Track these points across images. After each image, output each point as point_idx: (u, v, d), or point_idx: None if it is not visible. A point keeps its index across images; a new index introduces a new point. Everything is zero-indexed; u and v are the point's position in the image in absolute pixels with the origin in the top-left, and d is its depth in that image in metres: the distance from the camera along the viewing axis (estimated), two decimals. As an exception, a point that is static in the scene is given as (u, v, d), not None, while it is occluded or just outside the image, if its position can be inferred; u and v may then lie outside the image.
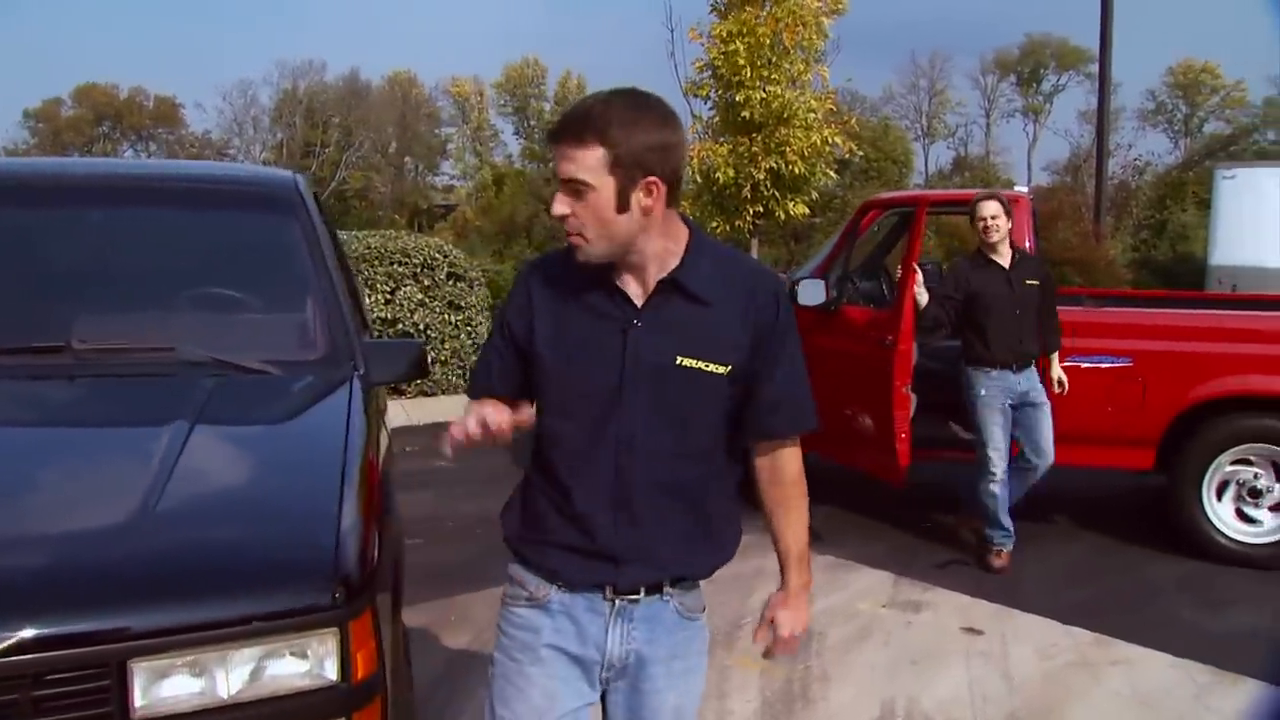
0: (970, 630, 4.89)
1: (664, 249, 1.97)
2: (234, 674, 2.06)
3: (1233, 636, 4.84)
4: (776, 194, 11.83)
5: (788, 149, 11.45)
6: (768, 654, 2.22)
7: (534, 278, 2.07)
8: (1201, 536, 5.80)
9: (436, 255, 9.74)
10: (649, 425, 1.97)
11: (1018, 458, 5.68)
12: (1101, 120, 14.17)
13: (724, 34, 11.39)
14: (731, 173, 11.63)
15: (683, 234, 2.00)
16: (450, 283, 9.79)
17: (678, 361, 1.96)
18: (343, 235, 10.00)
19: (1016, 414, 5.62)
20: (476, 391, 2.08)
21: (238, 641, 2.05)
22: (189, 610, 2.04)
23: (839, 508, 6.79)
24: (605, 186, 1.88)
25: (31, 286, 3.39)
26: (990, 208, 5.58)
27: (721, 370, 1.98)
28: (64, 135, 55.65)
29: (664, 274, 1.97)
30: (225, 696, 2.05)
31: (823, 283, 6.19)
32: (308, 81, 56.12)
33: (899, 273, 7.79)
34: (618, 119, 1.87)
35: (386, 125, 55.60)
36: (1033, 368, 5.62)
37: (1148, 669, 4.51)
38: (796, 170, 11.56)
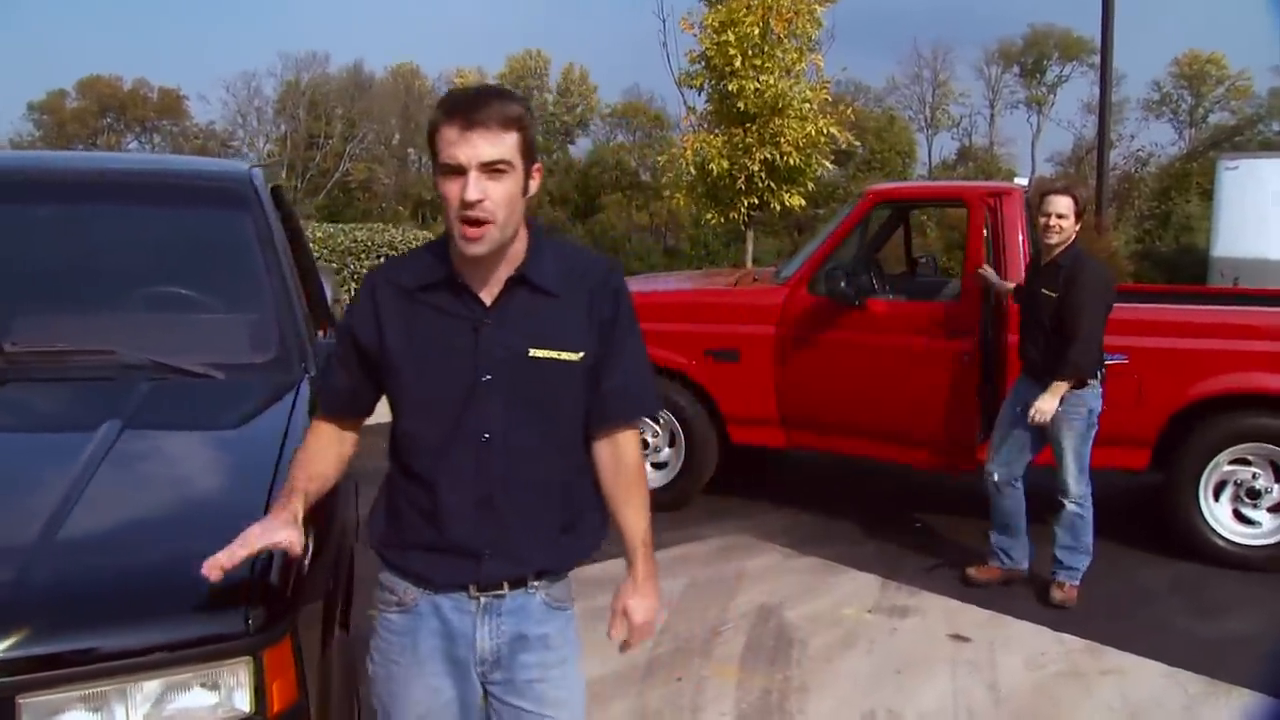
0: (958, 637, 4.74)
1: (517, 247, 2.01)
2: (136, 708, 1.92)
3: (1226, 643, 4.69)
4: (771, 185, 11.66)
5: (782, 140, 11.25)
6: (625, 647, 2.22)
7: (378, 286, 2.06)
8: (1198, 538, 5.65)
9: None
10: (509, 420, 2.01)
11: None
12: (1103, 111, 13.95)
13: (715, 24, 11.20)
14: (726, 164, 11.46)
15: (524, 232, 2.03)
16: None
17: (530, 353, 1.99)
18: (330, 229, 9.88)
19: (1046, 433, 5.06)
20: (328, 409, 2.13)
21: (140, 673, 1.91)
22: (84, 639, 1.90)
23: (827, 507, 6.64)
24: (519, 169, 1.93)
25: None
26: (1057, 204, 4.90)
27: (574, 358, 2.02)
28: (68, 127, 55.56)
29: (512, 271, 2.00)
30: (126, 731, 1.91)
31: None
32: (311, 73, 55.96)
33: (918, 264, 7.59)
34: (524, 106, 1.95)
35: (390, 117, 55.45)
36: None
37: (1139, 678, 4.36)
38: (791, 161, 11.37)
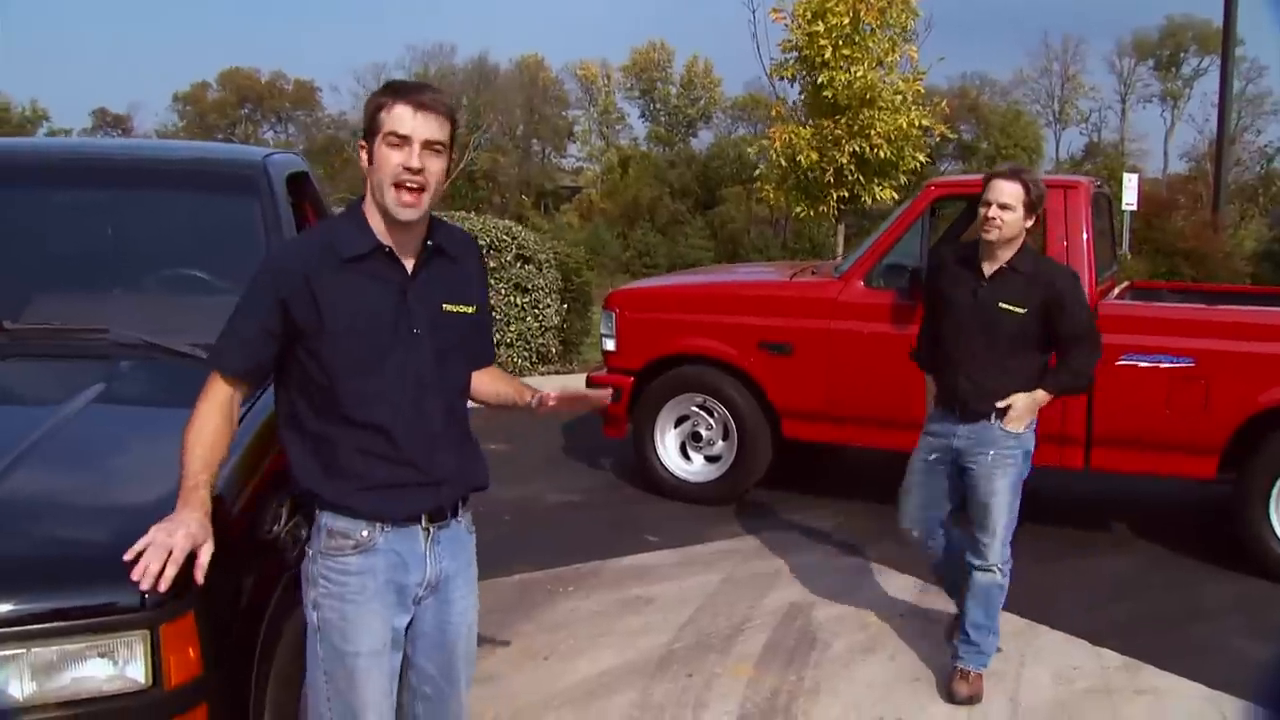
0: (988, 646, 4.57)
1: (425, 221, 2.34)
2: (31, 674, 1.97)
3: (1281, 667, 4.42)
4: (861, 178, 11.42)
5: (872, 132, 11.02)
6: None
7: (306, 263, 2.26)
8: (1266, 553, 5.32)
9: (504, 237, 9.66)
10: (436, 366, 2.33)
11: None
12: (1222, 105, 13.27)
13: (806, 14, 11.02)
14: (815, 156, 11.28)
15: None
16: (518, 265, 9.71)
17: (443, 308, 2.35)
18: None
19: (963, 481, 4.06)
20: (236, 369, 2.29)
21: (34, 639, 1.96)
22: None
23: (880, 506, 6.41)
24: (446, 154, 2.28)
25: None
26: (1001, 191, 3.83)
27: (470, 310, 2.41)
28: (209, 118, 57.81)
29: (423, 242, 2.33)
30: (19, 697, 1.96)
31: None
32: (438, 65, 57.09)
33: None
34: (455, 108, 2.36)
35: (514, 108, 56.19)
36: (990, 425, 3.93)
37: (1175, 700, 4.14)
38: (882, 154, 11.12)
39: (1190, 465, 5.50)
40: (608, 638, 4.61)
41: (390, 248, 2.27)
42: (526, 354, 9.84)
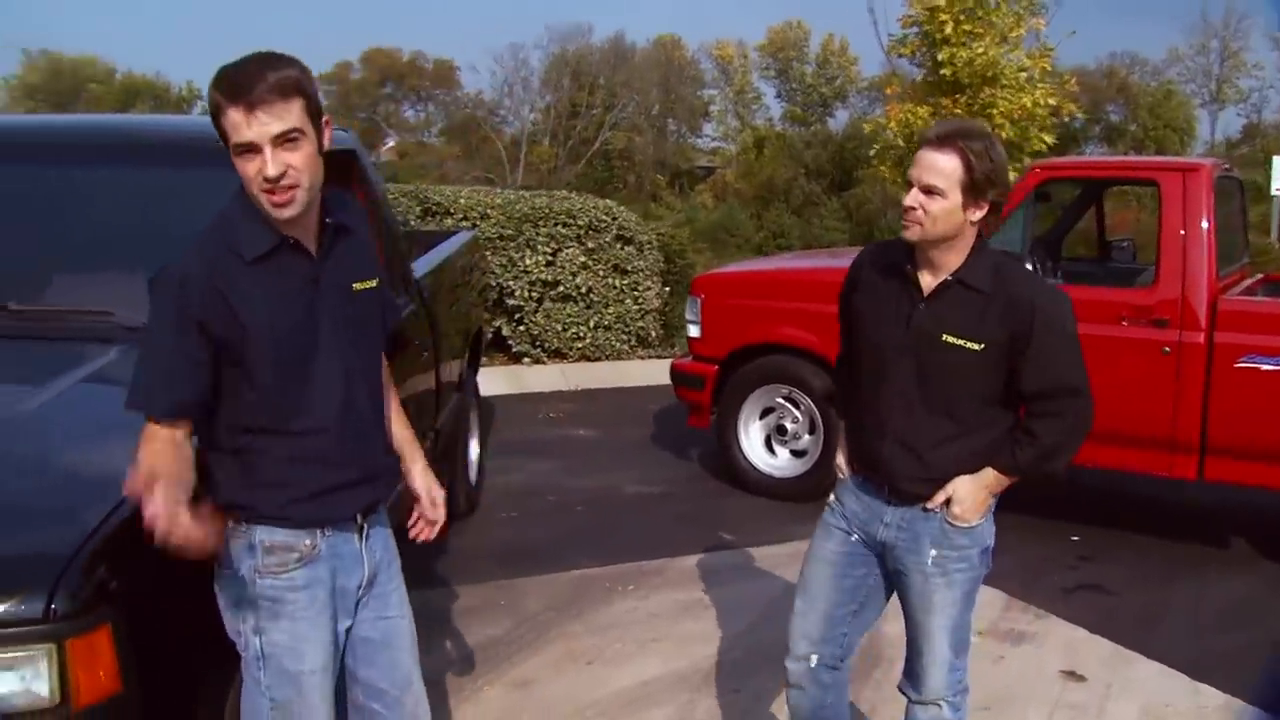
0: (1071, 674, 4.18)
1: (317, 203, 2.12)
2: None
3: None
4: (981, 160, 10.81)
5: (994, 111, 10.43)
6: (430, 533, 2.48)
7: (212, 273, 2.03)
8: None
9: (604, 217, 9.44)
10: (357, 353, 2.19)
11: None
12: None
13: (927, -12, 10.50)
14: (933, 136, 10.74)
15: None
16: (618, 246, 9.49)
17: (354, 288, 2.19)
18: (511, 195, 9.92)
19: (896, 581, 2.83)
20: (176, 409, 2.02)
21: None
22: None
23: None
24: (311, 133, 2.01)
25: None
26: (928, 168, 2.47)
27: (374, 284, 2.25)
28: (352, 97, 59.24)
29: (321, 220, 2.13)
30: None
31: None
32: (575, 45, 57.35)
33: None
34: (300, 71, 2.00)
35: (650, 87, 56.08)
36: (931, 514, 2.67)
37: (1279, 746, 3.71)
38: (1005, 135, 10.49)
39: (1283, 476, 4.97)
40: (660, 643, 4.37)
41: (294, 239, 2.08)
42: (625, 337, 9.64)
